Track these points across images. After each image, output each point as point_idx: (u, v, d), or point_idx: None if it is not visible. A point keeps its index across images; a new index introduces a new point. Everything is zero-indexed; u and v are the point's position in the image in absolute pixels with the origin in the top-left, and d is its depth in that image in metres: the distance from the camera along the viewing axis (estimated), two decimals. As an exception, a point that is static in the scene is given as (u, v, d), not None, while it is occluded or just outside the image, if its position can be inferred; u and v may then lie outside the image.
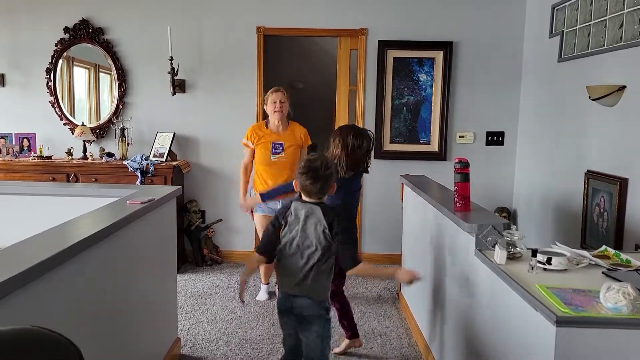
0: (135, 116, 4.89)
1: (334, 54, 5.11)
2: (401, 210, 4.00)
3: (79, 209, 2.36)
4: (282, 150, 3.89)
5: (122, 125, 4.81)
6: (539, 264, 1.92)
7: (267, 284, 4.12)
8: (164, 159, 4.64)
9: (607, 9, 3.39)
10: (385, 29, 4.78)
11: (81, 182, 4.46)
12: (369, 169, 3.05)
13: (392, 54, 4.81)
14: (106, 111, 4.98)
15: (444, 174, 4.27)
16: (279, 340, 2.96)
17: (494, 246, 2.09)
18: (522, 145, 4.83)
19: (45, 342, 0.75)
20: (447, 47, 4.77)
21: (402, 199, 3.99)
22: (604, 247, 2.25)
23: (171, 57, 4.63)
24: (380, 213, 4.92)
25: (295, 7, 4.78)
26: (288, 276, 2.30)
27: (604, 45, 3.41)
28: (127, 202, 2.52)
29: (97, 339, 2.01)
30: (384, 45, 4.78)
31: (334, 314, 3.11)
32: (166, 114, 4.88)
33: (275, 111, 3.86)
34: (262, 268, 4.07)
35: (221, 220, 4.93)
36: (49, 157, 4.74)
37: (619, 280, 1.75)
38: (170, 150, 4.72)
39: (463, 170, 2.49)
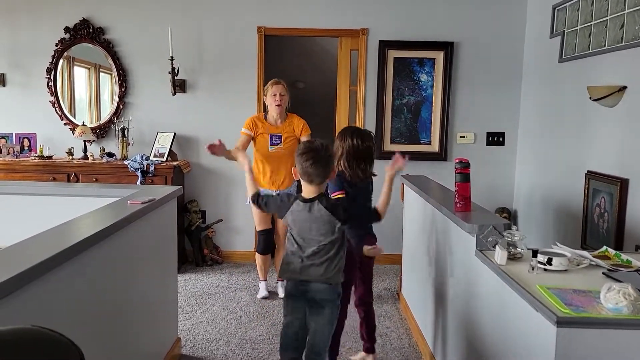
0: (135, 116, 4.89)
1: (334, 54, 5.11)
2: (401, 210, 4.00)
3: (80, 209, 2.36)
4: (281, 142, 3.90)
5: (122, 125, 4.81)
6: (539, 265, 1.92)
7: (265, 280, 4.12)
8: (164, 159, 4.64)
9: (608, 10, 3.39)
10: (386, 29, 4.78)
11: (82, 182, 4.46)
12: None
13: (392, 54, 4.81)
14: (107, 111, 4.98)
15: (444, 174, 4.27)
16: (279, 340, 2.95)
17: (494, 246, 2.09)
18: (522, 145, 4.83)
19: (46, 342, 0.75)
20: (447, 48, 4.77)
21: (403, 199, 3.99)
22: (604, 247, 2.25)
23: (172, 57, 4.63)
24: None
25: (296, 7, 4.79)
26: (295, 264, 2.29)
27: (604, 46, 3.41)
28: (128, 202, 2.52)
29: (97, 339, 2.01)
30: (385, 46, 4.78)
31: (355, 322, 3.15)
32: (167, 114, 4.88)
33: (275, 104, 3.88)
34: (260, 264, 4.07)
35: (221, 220, 4.93)
36: (50, 157, 4.74)
37: (620, 281, 1.74)
38: (170, 150, 4.72)
39: (463, 170, 2.49)
